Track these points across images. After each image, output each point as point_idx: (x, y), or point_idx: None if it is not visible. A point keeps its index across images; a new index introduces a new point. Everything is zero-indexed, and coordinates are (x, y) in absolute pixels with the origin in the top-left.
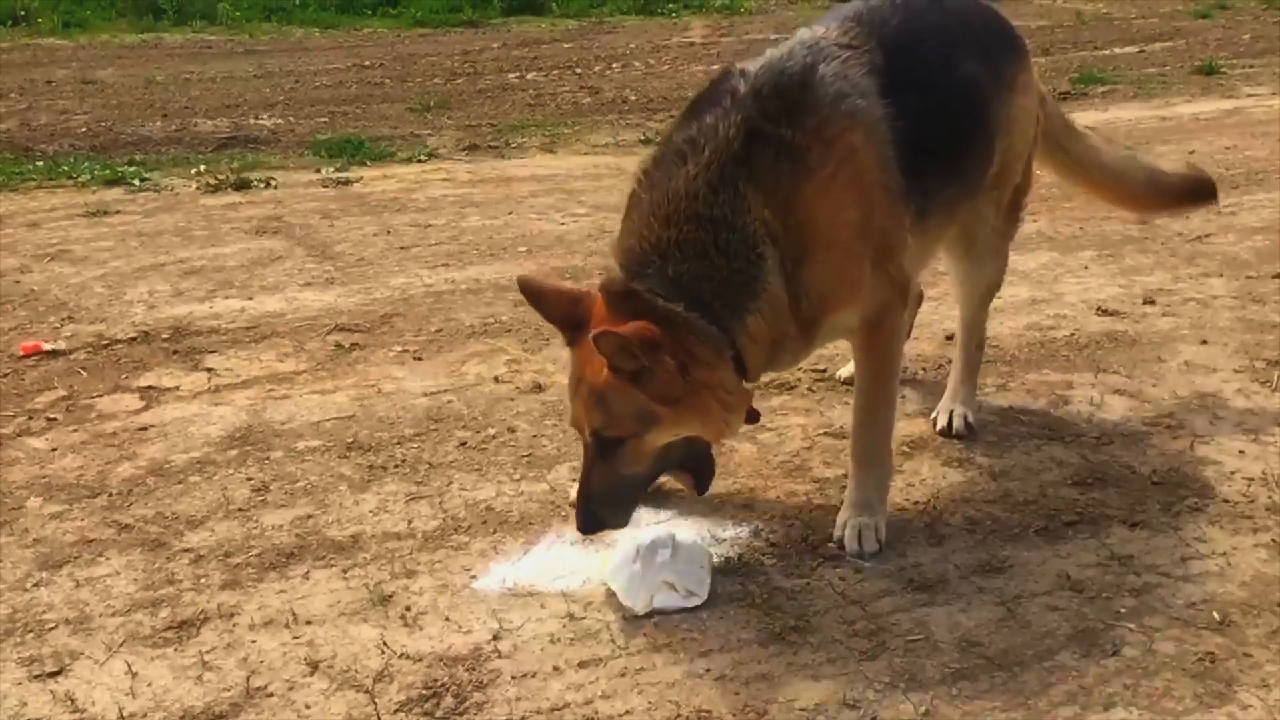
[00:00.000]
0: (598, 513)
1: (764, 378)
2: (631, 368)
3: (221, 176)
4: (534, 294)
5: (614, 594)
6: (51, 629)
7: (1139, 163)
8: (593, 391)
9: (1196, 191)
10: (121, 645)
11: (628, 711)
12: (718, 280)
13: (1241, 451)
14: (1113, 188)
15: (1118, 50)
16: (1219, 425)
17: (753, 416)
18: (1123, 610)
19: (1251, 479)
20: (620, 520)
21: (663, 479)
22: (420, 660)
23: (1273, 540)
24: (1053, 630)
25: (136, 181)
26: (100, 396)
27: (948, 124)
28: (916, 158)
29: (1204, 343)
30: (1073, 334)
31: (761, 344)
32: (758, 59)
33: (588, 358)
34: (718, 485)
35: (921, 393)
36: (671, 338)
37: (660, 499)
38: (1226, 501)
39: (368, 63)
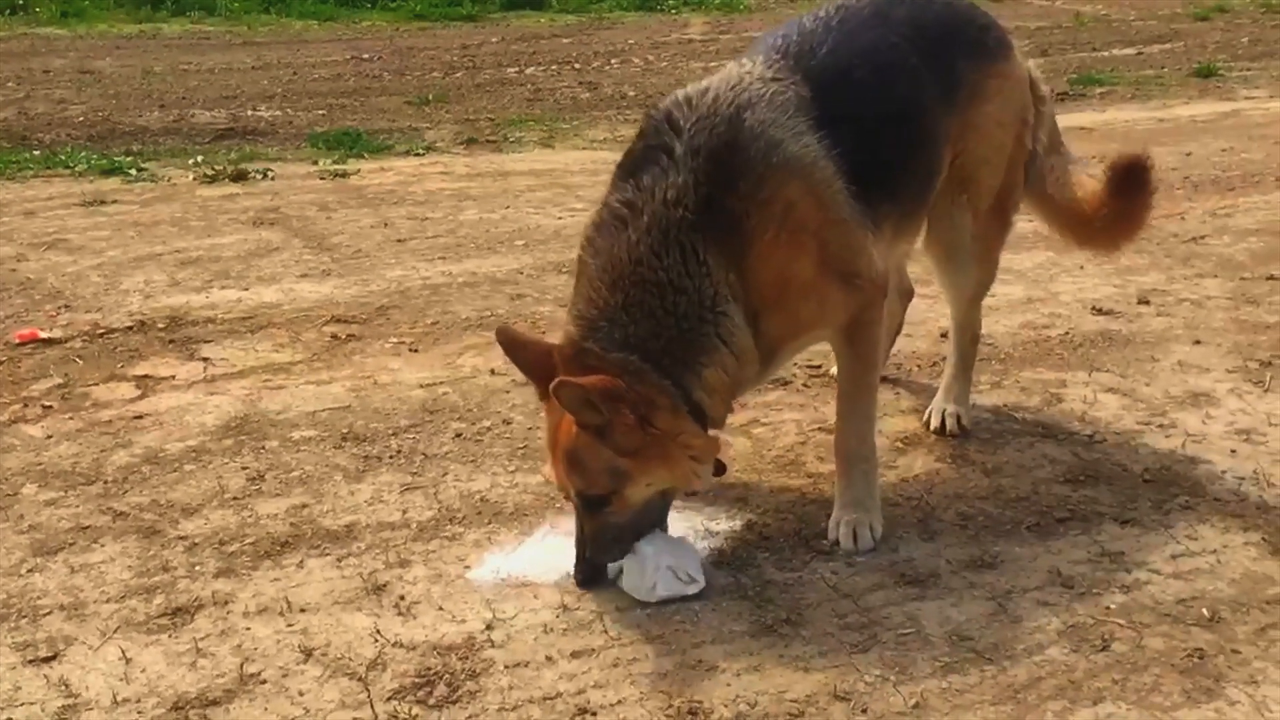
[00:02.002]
0: (595, 564)
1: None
2: (595, 421)
3: (219, 167)
4: (510, 345)
5: (618, 585)
6: (46, 614)
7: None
8: (566, 452)
9: (1124, 180)
10: (116, 631)
11: (619, 701)
12: (666, 339)
13: (1233, 451)
14: (1061, 206)
15: (1116, 52)
16: (1211, 424)
17: (719, 469)
18: (1113, 606)
19: (1243, 478)
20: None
21: None
22: (414, 649)
23: (1263, 539)
24: (1043, 625)
25: (133, 171)
26: (96, 385)
27: (879, 153)
28: (857, 183)
29: (1197, 343)
30: (1067, 333)
31: (721, 394)
32: (682, 103)
33: (559, 418)
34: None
35: (915, 390)
36: (629, 388)
37: None
38: (1217, 500)
39: (366, 56)
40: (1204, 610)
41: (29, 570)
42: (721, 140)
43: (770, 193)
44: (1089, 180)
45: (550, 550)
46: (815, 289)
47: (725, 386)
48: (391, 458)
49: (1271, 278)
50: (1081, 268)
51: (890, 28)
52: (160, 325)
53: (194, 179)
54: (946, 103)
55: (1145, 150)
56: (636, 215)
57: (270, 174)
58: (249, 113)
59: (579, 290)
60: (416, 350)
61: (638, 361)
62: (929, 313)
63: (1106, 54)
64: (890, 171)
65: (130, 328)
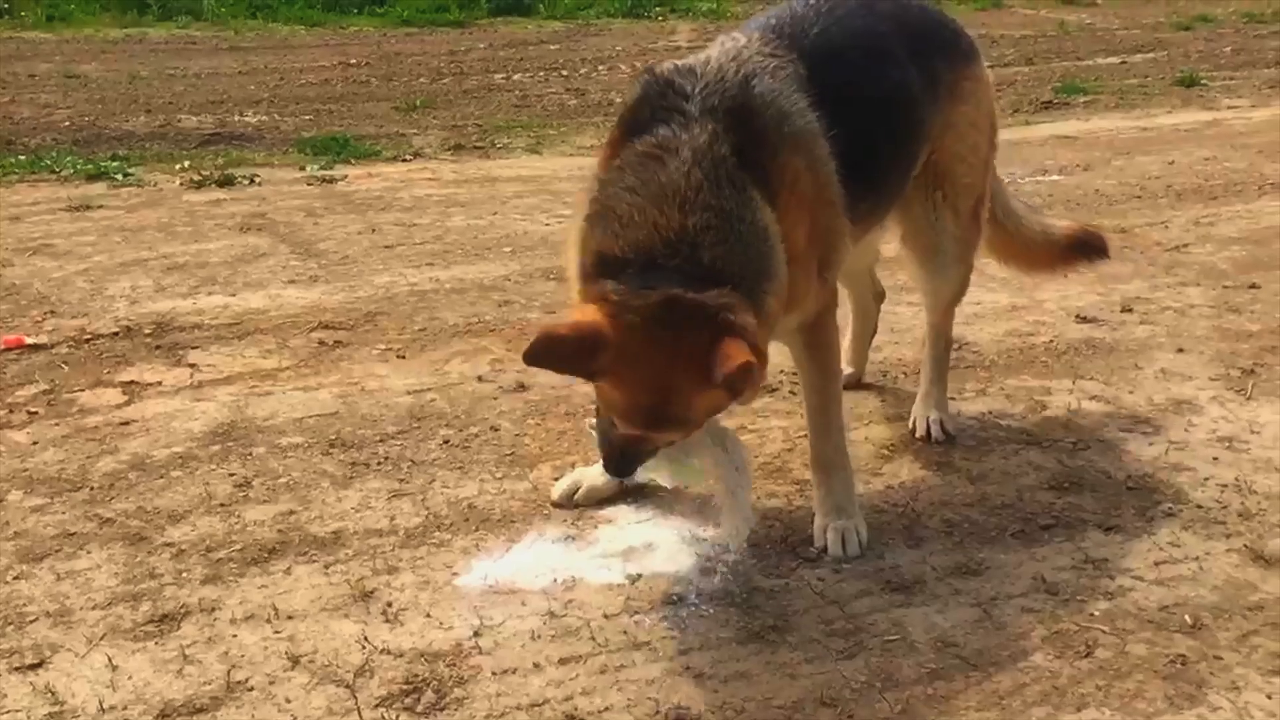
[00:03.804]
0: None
1: None
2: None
3: (205, 173)
4: (546, 353)
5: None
6: (32, 621)
7: (1035, 215)
8: (681, 419)
9: (1084, 246)
10: (102, 638)
11: (607, 708)
12: (740, 263)
13: (1215, 458)
14: (1011, 234)
15: (1100, 61)
16: (1193, 432)
17: None
18: (1096, 613)
19: (1225, 485)
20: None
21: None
22: (401, 656)
23: (1244, 545)
24: (1027, 632)
25: (120, 176)
26: (82, 391)
27: (868, 139)
28: (844, 168)
29: (1180, 351)
30: (1051, 340)
31: (769, 325)
32: (684, 71)
33: (657, 386)
34: (700, 485)
35: (901, 397)
36: (743, 327)
37: (640, 500)
38: (1200, 507)
39: (353, 61)
40: (1186, 617)
41: (14, 577)
42: (736, 103)
43: (784, 160)
44: (1033, 214)
45: (538, 557)
46: (803, 265)
47: (775, 318)
48: (379, 464)
49: (1254, 286)
50: (1065, 275)
51: (877, 18)
52: (147, 331)
53: (181, 184)
54: (929, 97)
55: (1105, 239)
56: (673, 154)
57: (257, 179)
58: (236, 118)
59: (621, 223)
60: (404, 357)
61: (730, 293)
62: (914, 319)
63: (1090, 63)
64: (875, 161)
65: (116, 333)
